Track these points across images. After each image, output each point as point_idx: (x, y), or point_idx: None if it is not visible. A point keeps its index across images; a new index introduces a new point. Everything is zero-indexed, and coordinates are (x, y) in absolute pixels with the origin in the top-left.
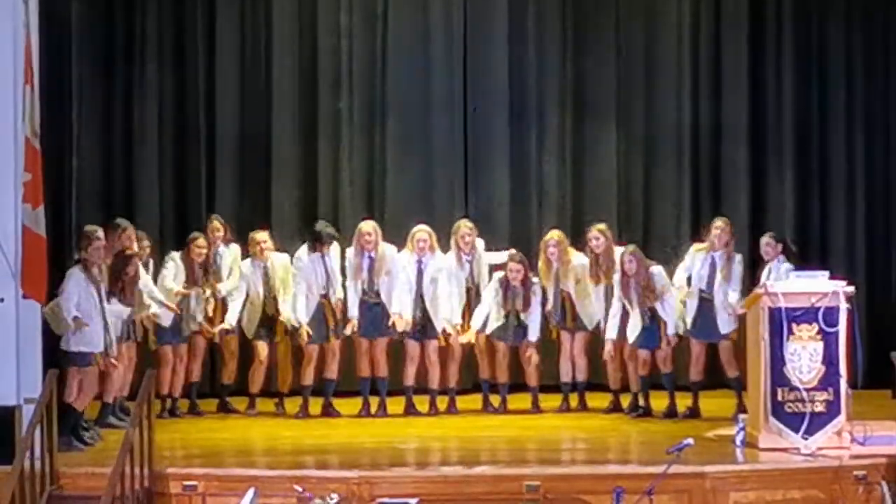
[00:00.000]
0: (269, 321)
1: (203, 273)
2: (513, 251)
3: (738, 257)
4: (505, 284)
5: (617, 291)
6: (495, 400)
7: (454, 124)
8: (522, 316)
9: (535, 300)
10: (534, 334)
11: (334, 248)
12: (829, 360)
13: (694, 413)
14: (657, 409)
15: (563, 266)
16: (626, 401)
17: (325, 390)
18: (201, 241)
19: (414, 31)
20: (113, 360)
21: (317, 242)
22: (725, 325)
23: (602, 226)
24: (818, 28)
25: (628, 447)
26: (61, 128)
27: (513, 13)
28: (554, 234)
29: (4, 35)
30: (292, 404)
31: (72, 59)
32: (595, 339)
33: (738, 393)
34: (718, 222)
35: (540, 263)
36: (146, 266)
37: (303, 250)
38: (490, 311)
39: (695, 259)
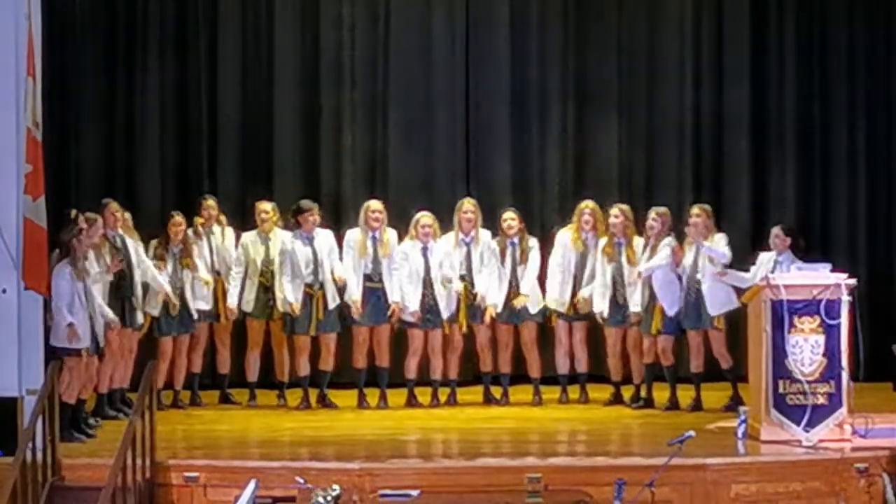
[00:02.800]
0: (266, 293)
1: (182, 252)
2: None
3: (720, 235)
4: (502, 243)
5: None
6: (497, 391)
7: (456, 114)
8: (520, 271)
9: (533, 255)
10: (526, 286)
11: (324, 234)
12: (831, 352)
13: (697, 406)
14: (660, 401)
15: (595, 235)
16: (627, 393)
17: (320, 382)
18: (178, 219)
19: (416, 20)
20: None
21: (297, 215)
22: (713, 306)
23: (625, 206)
24: (820, 19)
25: (630, 439)
26: (63, 118)
27: (515, 3)
28: (589, 204)
29: (6, 26)
30: (293, 396)
31: (74, 49)
32: (595, 328)
33: (734, 384)
34: (695, 209)
35: (573, 234)
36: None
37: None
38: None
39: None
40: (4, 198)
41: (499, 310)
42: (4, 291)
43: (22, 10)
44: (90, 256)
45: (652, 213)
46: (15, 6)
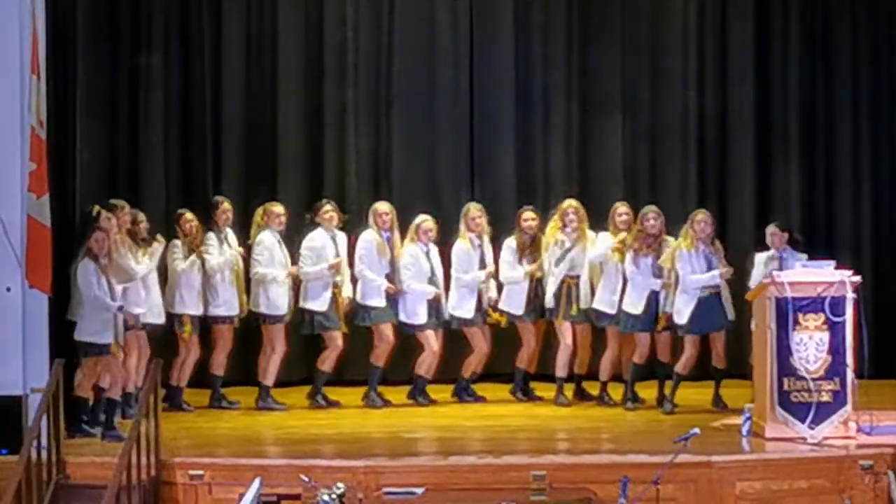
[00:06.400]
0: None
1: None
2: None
3: (718, 243)
4: (520, 241)
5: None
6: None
7: (460, 115)
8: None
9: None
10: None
11: (341, 236)
12: (836, 349)
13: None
14: (650, 399)
15: (579, 234)
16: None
17: (318, 381)
18: (189, 216)
19: (420, 21)
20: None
21: (314, 214)
22: (730, 312)
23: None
24: (824, 17)
25: (634, 437)
26: (67, 117)
27: (519, 2)
28: (572, 202)
29: (11, 25)
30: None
31: (78, 48)
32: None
33: (718, 384)
34: (701, 214)
35: (550, 228)
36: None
37: (313, 234)
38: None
39: (680, 256)
40: (9, 196)
41: (521, 311)
42: (9, 290)
43: (26, 8)
44: (123, 254)
45: (651, 213)
46: (19, 5)
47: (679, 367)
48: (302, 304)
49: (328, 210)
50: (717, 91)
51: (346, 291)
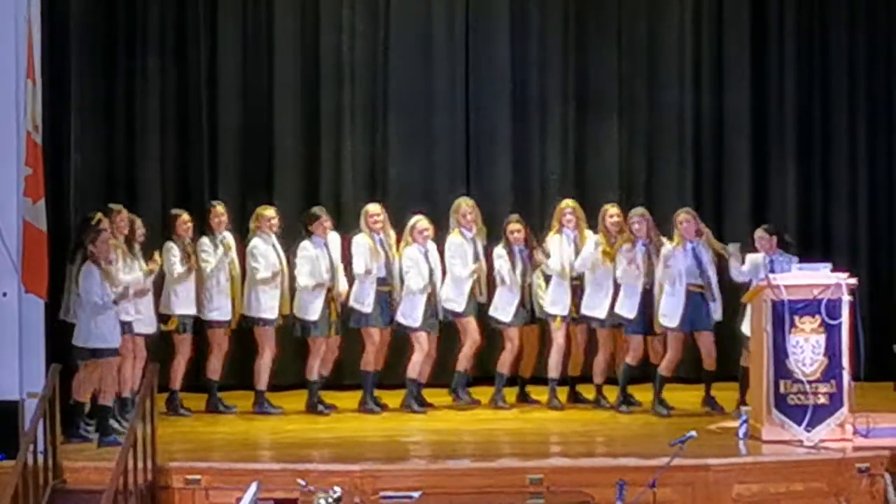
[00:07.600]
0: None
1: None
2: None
3: (705, 231)
4: (508, 250)
5: (622, 265)
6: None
7: (456, 118)
8: (533, 280)
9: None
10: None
11: (333, 237)
12: (832, 352)
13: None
14: (646, 402)
15: (579, 234)
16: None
17: (314, 385)
18: (186, 217)
19: (416, 23)
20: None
21: (307, 223)
22: (717, 311)
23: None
24: (820, 19)
25: (631, 440)
26: (63, 122)
27: (515, 5)
28: (570, 202)
29: (6, 29)
30: (296, 399)
31: (73, 53)
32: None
33: (709, 386)
34: (683, 214)
35: (551, 232)
36: (142, 250)
37: (305, 244)
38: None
39: (670, 255)
40: (5, 201)
41: (510, 318)
42: (5, 295)
43: (22, 14)
44: (114, 262)
45: (635, 217)
46: (15, 9)
47: (662, 369)
48: (294, 312)
49: (322, 220)
50: (714, 94)
51: (342, 286)
